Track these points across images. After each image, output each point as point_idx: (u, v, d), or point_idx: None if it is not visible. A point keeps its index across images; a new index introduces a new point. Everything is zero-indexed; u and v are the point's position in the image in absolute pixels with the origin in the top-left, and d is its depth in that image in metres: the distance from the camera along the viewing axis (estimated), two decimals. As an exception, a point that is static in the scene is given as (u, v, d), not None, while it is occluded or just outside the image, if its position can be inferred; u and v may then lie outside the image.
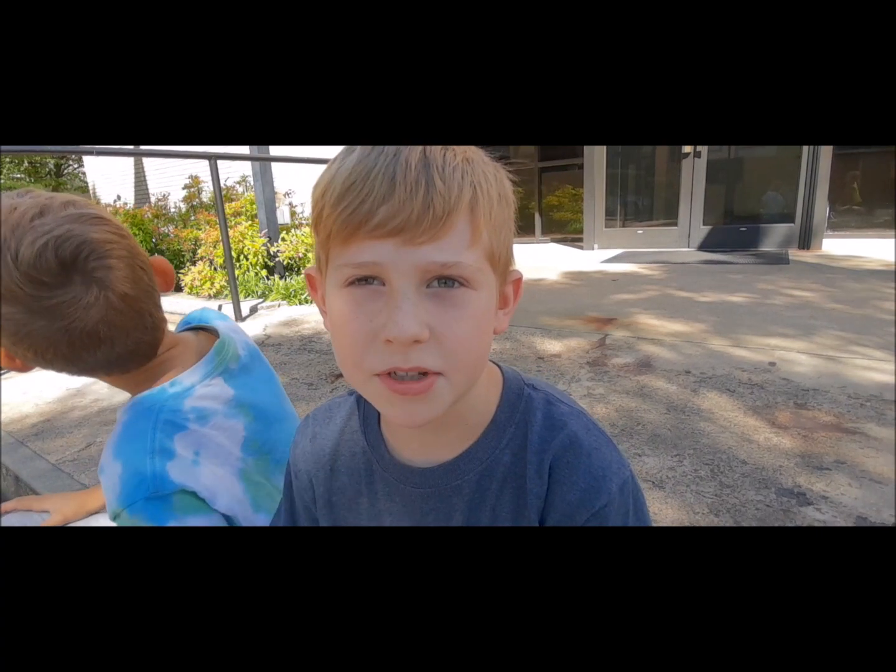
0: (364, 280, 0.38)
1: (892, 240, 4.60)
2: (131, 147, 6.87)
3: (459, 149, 0.39)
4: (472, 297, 0.39)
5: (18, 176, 13.19)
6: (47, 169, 14.59)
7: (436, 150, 0.38)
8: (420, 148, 0.38)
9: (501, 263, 0.43)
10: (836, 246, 4.80)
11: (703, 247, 5.30)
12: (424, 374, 0.39)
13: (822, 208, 4.71)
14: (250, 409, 0.71)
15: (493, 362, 0.51)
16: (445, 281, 0.38)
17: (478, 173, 0.39)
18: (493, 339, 0.45)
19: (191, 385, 0.66)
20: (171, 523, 0.60)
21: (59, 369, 0.60)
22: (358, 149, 0.39)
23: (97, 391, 2.34)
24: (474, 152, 0.41)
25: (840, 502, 1.19)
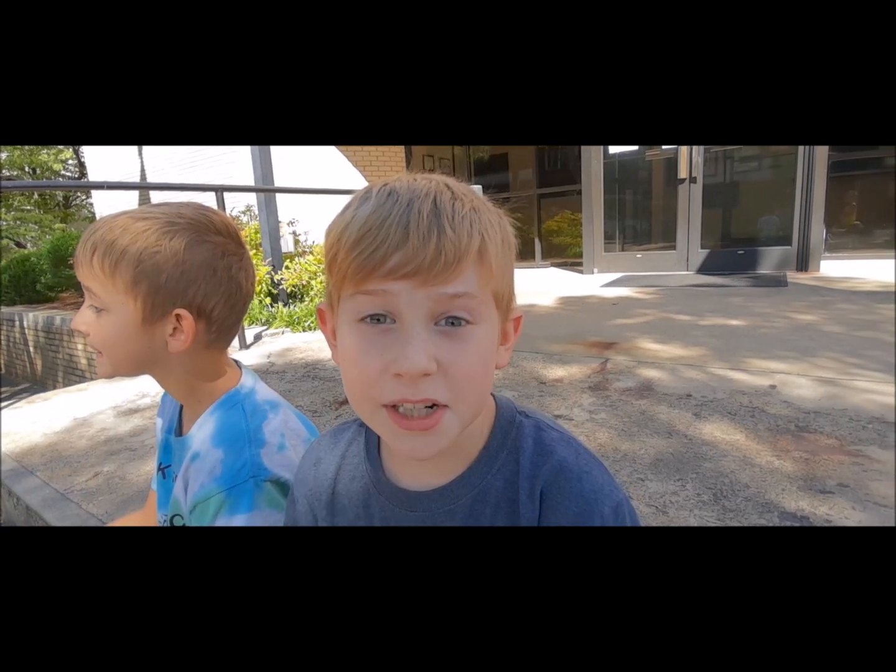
0: (377, 318, 0.41)
1: (890, 261, 4.65)
2: (139, 181, 7.02)
3: (466, 198, 0.42)
4: (476, 331, 0.42)
5: (28, 208, 13.56)
6: (56, 201, 14.96)
7: (445, 200, 0.41)
8: (431, 198, 0.40)
9: (504, 302, 0.46)
10: (834, 268, 4.84)
11: (702, 270, 5.35)
12: (432, 406, 0.41)
13: (818, 230, 4.77)
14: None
15: None
16: (453, 321, 0.41)
17: (484, 221, 0.42)
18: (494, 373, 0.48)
19: (252, 385, 0.77)
20: (245, 513, 0.64)
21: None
22: (373, 197, 0.42)
23: (103, 421, 2.36)
24: (480, 201, 0.44)
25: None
